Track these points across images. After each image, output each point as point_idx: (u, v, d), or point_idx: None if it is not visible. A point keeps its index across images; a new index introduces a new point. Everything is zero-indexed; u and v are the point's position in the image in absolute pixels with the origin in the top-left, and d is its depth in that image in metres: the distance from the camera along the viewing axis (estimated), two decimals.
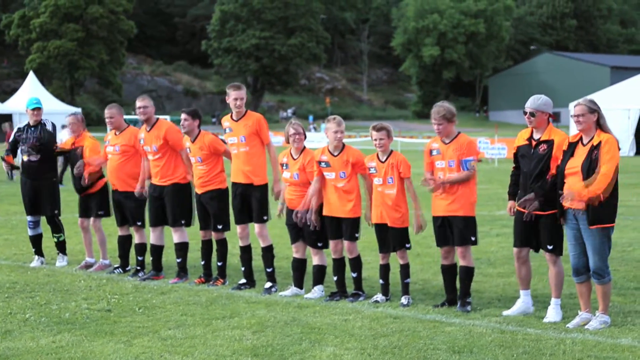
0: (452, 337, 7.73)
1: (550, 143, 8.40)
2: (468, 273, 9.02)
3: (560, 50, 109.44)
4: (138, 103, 10.86)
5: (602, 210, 7.89)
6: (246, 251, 10.30)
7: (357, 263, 9.58)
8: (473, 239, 9.03)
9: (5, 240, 14.22)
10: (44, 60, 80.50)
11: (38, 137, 11.73)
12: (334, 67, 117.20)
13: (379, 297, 9.33)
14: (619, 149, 8.03)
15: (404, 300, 9.19)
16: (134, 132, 11.25)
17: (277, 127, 66.78)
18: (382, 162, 9.25)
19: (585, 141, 8.04)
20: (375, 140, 9.24)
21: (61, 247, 12.03)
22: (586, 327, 8.05)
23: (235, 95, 10.07)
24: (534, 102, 8.59)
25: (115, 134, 11.32)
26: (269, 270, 10.16)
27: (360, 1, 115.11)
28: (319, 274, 9.76)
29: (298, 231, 9.74)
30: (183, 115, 10.50)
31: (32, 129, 11.85)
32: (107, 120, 11.31)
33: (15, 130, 12.12)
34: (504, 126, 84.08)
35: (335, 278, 9.70)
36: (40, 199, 11.85)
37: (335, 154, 9.48)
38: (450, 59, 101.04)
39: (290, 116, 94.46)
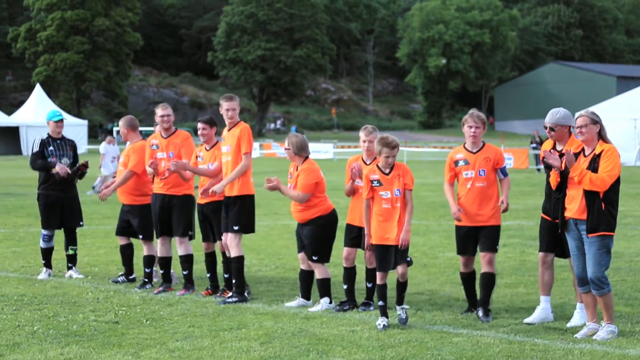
0: (460, 348, 7.72)
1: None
2: (492, 280, 9.13)
3: (566, 60, 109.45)
4: (161, 112, 10.92)
5: (600, 219, 7.95)
6: (239, 261, 10.29)
7: (374, 274, 9.56)
8: (498, 246, 9.20)
9: (12, 253, 14.24)
10: (50, 72, 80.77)
11: (73, 153, 11.91)
12: (339, 78, 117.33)
13: (384, 321, 8.67)
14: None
15: (401, 313, 8.72)
16: (137, 144, 11.37)
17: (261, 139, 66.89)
18: (386, 174, 8.81)
19: (587, 152, 8.12)
20: (388, 157, 8.76)
21: (75, 259, 12.06)
22: (594, 337, 8.04)
23: (227, 106, 10.19)
24: (552, 117, 8.67)
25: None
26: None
27: (365, 12, 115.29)
28: (323, 287, 9.69)
29: (302, 242, 9.75)
30: (201, 125, 10.51)
31: (59, 142, 11.90)
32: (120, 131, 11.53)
33: (39, 141, 11.97)
34: (510, 136, 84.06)
35: (345, 287, 9.70)
36: (67, 212, 11.90)
37: (368, 162, 9.53)
38: (456, 69, 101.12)
39: (278, 128, 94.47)
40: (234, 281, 10.09)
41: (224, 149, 10.18)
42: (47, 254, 12.00)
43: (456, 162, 9.17)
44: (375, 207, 8.86)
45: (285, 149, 9.75)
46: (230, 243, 10.06)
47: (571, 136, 8.74)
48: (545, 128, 8.73)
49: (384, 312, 8.75)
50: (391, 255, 8.72)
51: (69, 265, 12.02)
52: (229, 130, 10.24)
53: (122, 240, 11.55)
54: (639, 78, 78.81)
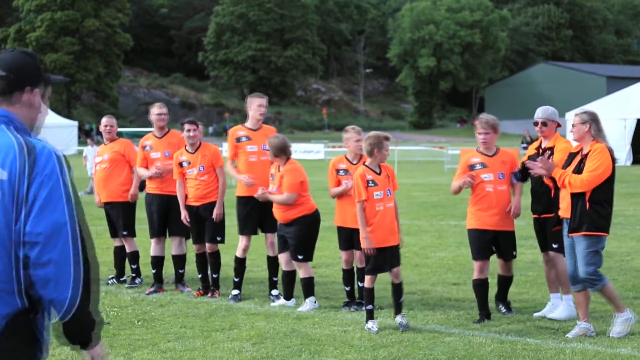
0: (452, 348, 7.72)
1: (553, 149, 8.84)
2: (510, 280, 9.44)
3: (556, 60, 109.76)
4: (158, 110, 10.94)
5: (583, 219, 7.97)
6: (243, 263, 10.35)
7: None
8: (515, 253, 9.29)
9: None
10: None
11: None
12: (330, 79, 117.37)
13: (374, 324, 8.56)
14: (613, 159, 8.05)
15: (402, 320, 8.58)
16: (125, 142, 11.44)
17: None
18: (378, 174, 8.66)
19: (584, 151, 8.16)
20: (387, 151, 8.74)
21: None
22: (611, 334, 8.08)
23: (259, 102, 10.23)
24: (544, 112, 8.96)
25: (105, 144, 11.51)
26: (275, 279, 10.31)
27: (355, 12, 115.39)
28: (308, 287, 9.66)
29: (284, 243, 9.71)
30: (190, 126, 10.38)
31: None
32: (106, 129, 11.34)
33: None
34: (501, 136, 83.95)
35: (347, 289, 9.70)
36: None
37: (355, 162, 9.51)
38: (447, 69, 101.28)
39: None
40: (274, 279, 10.29)
41: (253, 148, 10.13)
42: None
43: (472, 166, 8.94)
44: (368, 210, 8.59)
45: (266, 150, 9.78)
46: (275, 241, 10.25)
47: (556, 133, 9.02)
48: (536, 124, 8.91)
49: (372, 316, 8.60)
50: (387, 258, 8.60)
51: None
52: (257, 129, 10.24)
53: (117, 242, 11.52)
54: (629, 78, 78.97)
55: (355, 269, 9.69)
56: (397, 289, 8.68)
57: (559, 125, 9.02)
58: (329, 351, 7.67)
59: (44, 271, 3.20)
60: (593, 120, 8.11)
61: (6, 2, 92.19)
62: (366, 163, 8.73)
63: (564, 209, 8.15)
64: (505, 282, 9.36)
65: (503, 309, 9.22)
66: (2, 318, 3.23)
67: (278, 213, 9.64)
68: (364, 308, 9.41)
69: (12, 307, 3.26)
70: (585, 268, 8.00)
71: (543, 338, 8.10)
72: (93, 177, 11.92)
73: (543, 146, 8.99)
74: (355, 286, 9.76)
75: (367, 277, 8.63)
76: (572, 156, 8.26)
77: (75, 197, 3.32)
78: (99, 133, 75.95)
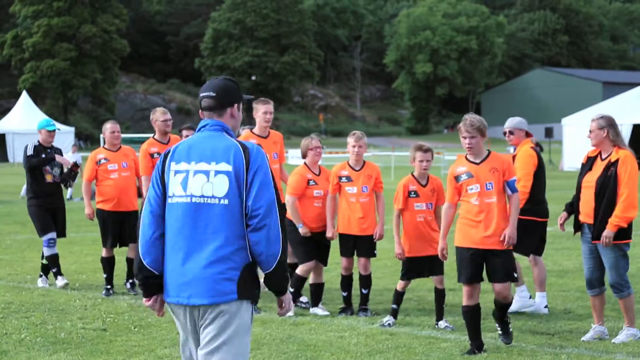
0: (448, 353, 7.74)
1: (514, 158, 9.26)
2: (508, 306, 8.08)
3: (553, 65, 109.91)
4: (163, 117, 10.89)
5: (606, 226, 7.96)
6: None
7: (369, 280, 9.60)
8: (515, 274, 7.88)
9: None
10: (37, 79, 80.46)
11: (59, 160, 11.63)
12: (327, 84, 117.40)
13: (390, 320, 8.99)
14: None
15: (447, 325, 8.87)
16: (132, 149, 11.42)
17: None
18: (423, 186, 8.90)
19: (604, 156, 8.15)
20: (422, 162, 8.81)
21: (48, 270, 11.73)
22: (613, 340, 8.12)
23: (265, 109, 10.14)
24: (510, 122, 9.45)
25: (114, 151, 11.29)
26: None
27: (352, 18, 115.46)
28: (320, 293, 9.83)
29: (315, 251, 9.64)
30: (189, 132, 10.46)
31: (49, 151, 11.56)
32: (113, 134, 11.19)
33: (32, 147, 11.49)
34: (497, 142, 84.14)
35: (345, 294, 9.73)
36: (57, 221, 11.54)
37: (357, 168, 9.53)
38: (443, 75, 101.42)
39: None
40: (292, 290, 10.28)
41: None
42: (54, 260, 11.50)
43: (457, 177, 7.78)
44: (407, 220, 8.93)
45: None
46: None
47: (525, 140, 9.34)
48: (505, 133, 9.35)
49: (395, 314, 9.04)
50: (423, 267, 8.92)
51: (40, 273, 11.80)
52: (266, 137, 10.20)
53: (109, 252, 11.31)
54: (625, 84, 79.03)
55: (360, 275, 9.68)
56: (439, 295, 8.96)
57: (528, 134, 9.36)
58: (325, 357, 7.68)
59: (262, 233, 4.50)
60: (610, 125, 8.10)
61: (3, 8, 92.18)
62: (413, 172, 9.00)
63: (586, 214, 8.14)
64: (502, 309, 8.04)
65: (503, 338, 8.07)
66: (243, 267, 4.57)
67: (331, 221, 9.62)
68: (368, 314, 9.49)
69: (246, 259, 4.59)
70: (614, 272, 8.05)
71: (539, 343, 8.12)
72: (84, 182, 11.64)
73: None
74: (355, 292, 9.78)
75: (399, 282, 9.03)
76: (591, 160, 8.22)
77: (274, 181, 4.57)
78: (82, 139, 74.57)
